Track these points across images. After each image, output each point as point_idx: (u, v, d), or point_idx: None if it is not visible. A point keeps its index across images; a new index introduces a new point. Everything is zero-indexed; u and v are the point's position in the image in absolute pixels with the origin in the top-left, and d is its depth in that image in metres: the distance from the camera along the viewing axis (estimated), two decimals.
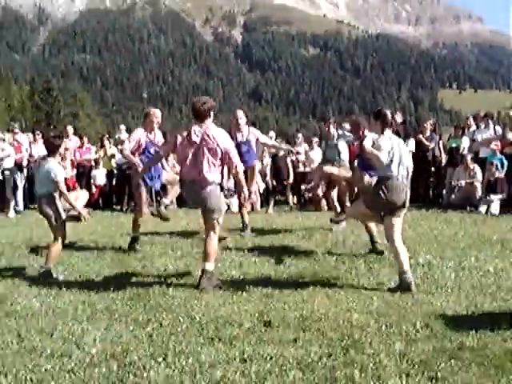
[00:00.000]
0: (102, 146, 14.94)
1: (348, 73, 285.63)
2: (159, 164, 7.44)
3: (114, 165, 14.45)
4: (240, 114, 8.83)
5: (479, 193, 11.65)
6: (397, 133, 7.39)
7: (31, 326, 4.43)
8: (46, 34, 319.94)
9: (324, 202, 11.10)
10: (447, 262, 6.46)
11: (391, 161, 5.40)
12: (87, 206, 13.53)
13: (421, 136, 12.85)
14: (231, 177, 9.40)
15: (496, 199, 11.23)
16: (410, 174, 6.49)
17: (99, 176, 14.51)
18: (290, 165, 13.43)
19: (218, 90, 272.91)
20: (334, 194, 8.71)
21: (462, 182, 11.90)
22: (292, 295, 5.14)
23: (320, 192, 9.71)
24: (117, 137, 15.72)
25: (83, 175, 14.46)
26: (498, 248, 7.26)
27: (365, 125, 6.96)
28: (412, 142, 12.48)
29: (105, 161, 14.62)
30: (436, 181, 13.38)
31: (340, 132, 8.81)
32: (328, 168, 8.16)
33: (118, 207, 13.98)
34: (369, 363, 3.54)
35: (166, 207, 7.64)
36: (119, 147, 13.79)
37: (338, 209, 8.81)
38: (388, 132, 5.57)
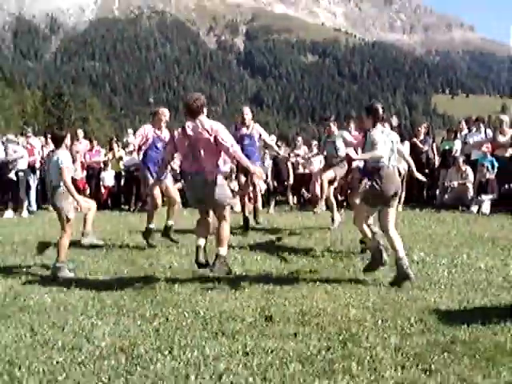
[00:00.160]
0: (111, 148, 14.97)
1: (345, 79, 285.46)
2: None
3: (122, 167, 14.50)
4: (246, 110, 9.07)
5: (471, 193, 11.65)
6: None
7: (43, 321, 4.45)
8: (57, 43, 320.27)
9: (322, 202, 11.08)
10: (440, 259, 6.45)
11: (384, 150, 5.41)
12: (96, 205, 13.63)
13: (415, 139, 12.85)
14: (232, 178, 9.48)
15: (487, 199, 11.22)
16: (415, 174, 6.52)
17: (108, 177, 14.53)
18: (290, 167, 13.44)
19: (222, 96, 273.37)
20: (331, 191, 8.75)
21: (455, 183, 11.91)
22: (292, 291, 5.14)
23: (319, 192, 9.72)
24: (125, 140, 15.70)
25: (93, 177, 14.49)
26: (489, 246, 7.26)
27: (386, 120, 6.94)
28: (407, 144, 12.46)
29: (113, 163, 14.64)
30: (430, 182, 13.31)
31: (340, 132, 8.85)
32: (326, 176, 8.28)
33: (126, 207, 14.00)
34: (366, 356, 3.54)
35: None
36: (127, 151, 13.88)
37: (335, 205, 8.83)
38: (379, 126, 5.57)
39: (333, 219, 8.86)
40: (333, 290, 5.18)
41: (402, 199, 11.40)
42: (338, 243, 7.62)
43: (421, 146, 12.66)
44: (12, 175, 12.77)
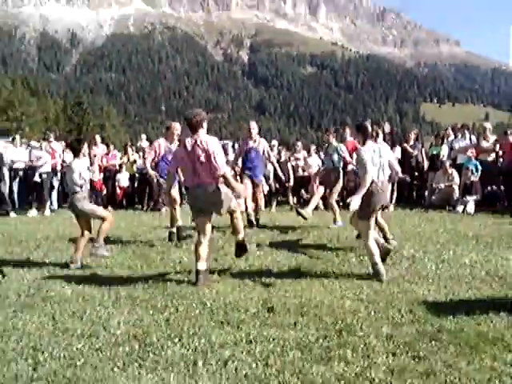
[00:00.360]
0: (126, 152, 15.00)
1: (342, 89, 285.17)
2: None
3: (136, 169, 14.53)
4: (253, 124, 9.10)
5: (456, 194, 11.63)
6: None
7: (64, 310, 4.45)
8: (77, 56, 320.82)
9: (321, 201, 11.08)
10: (429, 255, 6.44)
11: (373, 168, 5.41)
12: (112, 205, 13.67)
13: (405, 144, 12.82)
14: (237, 179, 9.47)
15: (471, 200, 11.19)
16: (399, 176, 6.50)
17: (123, 179, 14.55)
18: (290, 169, 13.44)
19: (227, 104, 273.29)
20: (333, 198, 8.79)
21: (442, 185, 11.88)
22: (292, 284, 5.14)
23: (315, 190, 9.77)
24: (138, 145, 15.78)
25: (109, 178, 14.50)
26: (473, 243, 7.24)
27: (378, 133, 6.93)
28: (398, 149, 12.46)
29: (128, 166, 14.67)
30: (419, 184, 13.35)
31: (337, 145, 8.90)
32: (319, 193, 8.68)
33: (139, 206, 14.01)
34: (360, 344, 3.54)
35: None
36: (141, 155, 13.92)
37: (337, 209, 8.84)
38: (369, 142, 5.56)
39: (335, 220, 8.87)
40: (329, 283, 5.18)
41: (394, 200, 11.40)
42: (334, 240, 7.61)
43: (411, 150, 12.65)
44: (36, 177, 12.86)
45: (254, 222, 8.96)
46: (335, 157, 8.65)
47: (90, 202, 6.73)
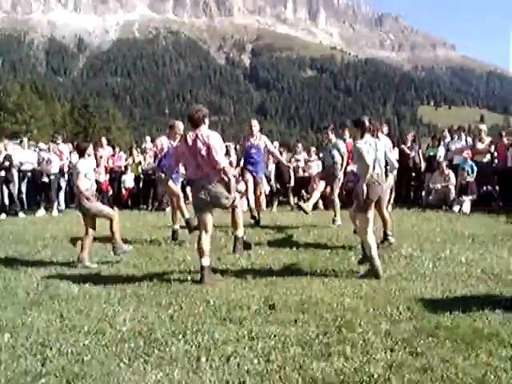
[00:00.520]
0: (131, 154, 15.02)
1: (341, 92, 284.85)
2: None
3: (141, 170, 14.54)
4: (254, 122, 9.20)
5: (453, 194, 11.63)
6: None
7: (71, 308, 4.46)
8: (84, 60, 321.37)
9: (320, 201, 11.08)
10: (426, 253, 6.44)
11: (369, 160, 5.41)
12: (118, 205, 13.69)
13: (403, 146, 12.83)
14: (240, 180, 9.49)
15: (467, 200, 11.19)
16: (395, 173, 6.52)
17: (128, 180, 14.57)
18: (291, 170, 13.44)
19: (230, 107, 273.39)
20: (335, 194, 8.81)
21: (438, 185, 11.88)
22: (293, 282, 5.14)
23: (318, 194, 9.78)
24: (143, 146, 15.78)
25: (115, 179, 14.53)
26: (469, 242, 7.24)
27: (379, 128, 6.92)
28: (396, 151, 12.46)
29: (133, 167, 14.69)
30: (416, 184, 13.35)
31: (336, 140, 8.90)
32: (320, 188, 8.66)
33: (144, 206, 14.02)
34: (359, 340, 3.54)
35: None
36: (146, 156, 13.93)
37: (338, 206, 8.86)
38: (367, 136, 5.58)
39: (334, 220, 8.88)
40: (329, 281, 5.18)
41: (392, 200, 11.39)
42: (333, 239, 7.61)
43: (408, 151, 12.65)
44: (45, 178, 12.88)
45: (257, 217, 9.02)
46: (335, 152, 8.64)
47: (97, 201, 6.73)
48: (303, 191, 13.45)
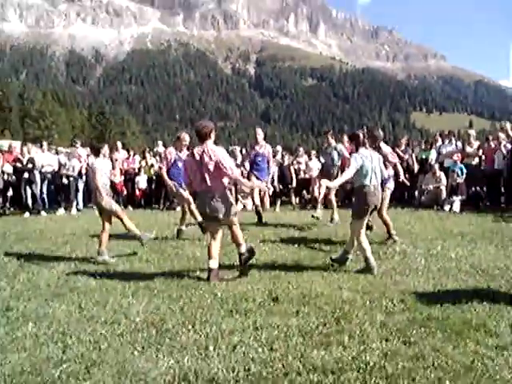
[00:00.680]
0: (144, 157, 15.03)
1: (339, 99, 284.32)
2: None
3: (153, 172, 14.55)
4: (259, 131, 9.23)
5: (444, 195, 11.60)
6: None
7: (89, 300, 4.47)
8: (101, 70, 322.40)
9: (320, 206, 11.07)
10: (418, 250, 6.43)
11: (365, 173, 5.39)
12: (131, 204, 13.71)
13: (397, 149, 12.79)
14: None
15: (457, 200, 11.17)
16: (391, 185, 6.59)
17: (141, 181, 14.59)
18: (293, 172, 13.45)
19: (236, 113, 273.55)
20: (332, 194, 8.81)
21: (431, 186, 11.86)
22: (295, 277, 5.13)
23: (317, 193, 9.78)
24: (155, 150, 15.80)
25: (129, 181, 14.56)
26: (459, 239, 7.22)
27: (381, 138, 6.87)
28: (395, 155, 12.44)
29: (146, 169, 14.70)
30: (409, 185, 13.29)
31: (335, 145, 8.89)
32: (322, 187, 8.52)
33: (156, 206, 14.04)
34: (356, 331, 3.54)
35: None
36: (157, 159, 13.95)
37: (335, 206, 8.85)
38: (361, 149, 5.54)
39: (332, 219, 8.86)
40: (328, 275, 5.17)
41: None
42: (332, 236, 7.60)
43: (402, 155, 12.60)
44: (64, 180, 12.95)
45: (262, 213, 9.13)
46: (334, 155, 8.63)
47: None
48: (304, 192, 13.49)
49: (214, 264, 5.15)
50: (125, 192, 14.32)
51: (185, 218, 7.93)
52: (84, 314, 4.08)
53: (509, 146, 11.40)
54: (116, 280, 5.17)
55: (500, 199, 11.77)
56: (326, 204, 9.12)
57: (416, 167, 12.85)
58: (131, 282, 5.06)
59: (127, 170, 14.68)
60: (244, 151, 13.84)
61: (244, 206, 11.72)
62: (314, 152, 14.79)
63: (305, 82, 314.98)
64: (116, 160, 14.10)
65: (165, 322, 3.84)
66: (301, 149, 15.04)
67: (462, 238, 7.32)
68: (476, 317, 3.75)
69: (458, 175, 11.52)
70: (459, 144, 12.85)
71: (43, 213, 12.23)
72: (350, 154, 9.07)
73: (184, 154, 7.73)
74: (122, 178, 14.37)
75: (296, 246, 6.93)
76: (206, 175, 5.10)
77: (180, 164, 7.56)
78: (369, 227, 7.12)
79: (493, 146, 11.79)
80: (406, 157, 12.68)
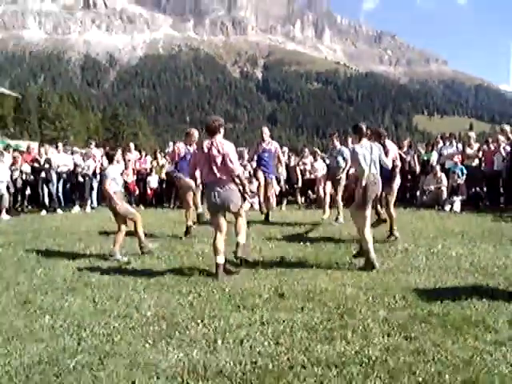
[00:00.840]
0: (155, 158, 15.06)
1: (344, 102, 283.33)
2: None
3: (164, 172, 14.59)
4: (265, 129, 9.26)
5: (445, 195, 11.53)
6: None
7: (103, 294, 4.50)
8: (114, 74, 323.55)
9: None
10: (420, 248, 6.40)
11: (364, 163, 5.40)
12: (143, 203, 13.75)
13: (400, 151, 12.74)
14: (252, 181, 9.52)
15: (458, 200, 11.10)
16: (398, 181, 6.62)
17: (153, 181, 14.61)
18: (298, 173, 13.43)
19: (244, 115, 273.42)
20: (339, 195, 8.83)
21: (432, 187, 11.80)
22: (300, 273, 5.13)
23: (322, 193, 9.79)
24: (166, 151, 15.82)
25: (141, 180, 14.59)
26: (459, 238, 7.18)
27: (385, 134, 6.88)
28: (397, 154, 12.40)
29: (157, 169, 14.71)
30: (411, 185, 13.26)
31: (340, 148, 8.88)
32: (328, 188, 8.80)
33: (167, 205, 14.05)
34: (359, 326, 3.54)
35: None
36: (168, 160, 13.96)
37: (341, 206, 8.85)
38: (363, 141, 5.57)
39: (337, 218, 8.86)
40: (333, 272, 5.17)
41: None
42: (337, 235, 7.58)
43: (404, 156, 12.55)
44: (80, 179, 13.03)
45: (268, 213, 9.20)
46: (339, 158, 8.62)
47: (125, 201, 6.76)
48: (309, 192, 13.46)
49: (220, 259, 5.14)
50: (137, 191, 14.35)
51: (190, 213, 7.90)
52: (98, 308, 4.10)
53: (508, 148, 11.34)
54: (128, 275, 5.19)
55: (499, 199, 11.70)
56: (331, 204, 9.11)
57: (418, 168, 12.80)
58: (143, 277, 5.09)
59: (139, 170, 14.71)
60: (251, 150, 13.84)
61: (251, 204, 11.72)
62: (318, 151, 14.70)
63: (310, 86, 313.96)
64: (129, 160, 14.14)
65: (175, 316, 3.86)
66: (306, 150, 14.98)
67: (462, 237, 7.28)
68: (475, 313, 3.74)
69: (458, 176, 11.46)
70: (460, 146, 12.78)
71: (59, 211, 12.30)
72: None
73: (193, 148, 7.77)
74: (135, 177, 14.40)
75: (301, 243, 6.92)
76: (214, 167, 5.10)
77: (189, 157, 7.57)
78: (383, 220, 7.12)
79: (492, 148, 11.72)
80: (408, 158, 12.62)
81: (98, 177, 13.79)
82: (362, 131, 5.60)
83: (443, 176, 11.74)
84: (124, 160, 13.59)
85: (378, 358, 3.01)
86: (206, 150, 5.15)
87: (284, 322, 3.65)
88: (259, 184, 9.06)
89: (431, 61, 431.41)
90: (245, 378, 2.83)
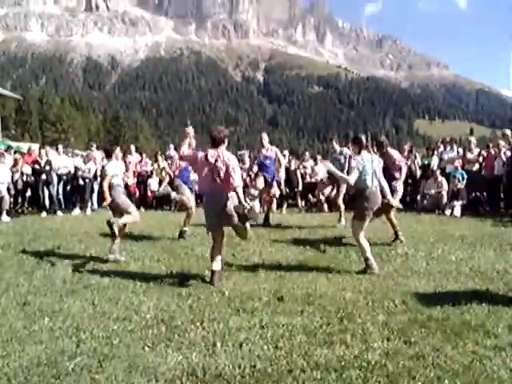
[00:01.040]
0: (156, 160, 15.06)
1: (345, 106, 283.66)
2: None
3: (164, 175, 14.58)
4: (264, 136, 9.27)
5: (445, 199, 11.53)
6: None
7: (102, 296, 4.49)
8: (116, 77, 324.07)
9: (325, 205, 11.04)
10: (420, 252, 6.40)
11: (366, 175, 5.39)
12: (144, 206, 13.75)
13: (403, 157, 12.77)
14: (254, 184, 9.52)
15: (458, 204, 11.10)
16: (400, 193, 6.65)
17: (153, 183, 14.61)
18: (299, 176, 13.43)
19: (245, 118, 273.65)
20: (340, 198, 8.84)
21: (432, 191, 11.79)
22: (300, 277, 5.13)
23: (322, 198, 9.79)
24: (167, 153, 15.82)
25: (142, 183, 14.60)
26: (459, 242, 7.17)
27: (387, 143, 6.97)
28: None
29: (157, 172, 14.72)
30: (412, 190, 13.26)
31: (341, 149, 8.92)
32: (327, 191, 8.84)
33: (167, 207, 14.06)
34: (358, 330, 3.53)
35: None
36: (169, 163, 13.97)
37: (343, 208, 8.87)
38: (363, 153, 5.56)
39: (339, 220, 8.89)
40: (332, 276, 5.16)
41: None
42: (337, 239, 7.57)
43: (405, 160, 12.58)
44: (80, 181, 13.04)
45: (268, 215, 9.24)
46: (341, 159, 8.68)
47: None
48: (310, 195, 13.45)
49: (216, 266, 5.09)
50: (137, 194, 14.36)
51: (188, 219, 7.92)
52: (97, 310, 4.10)
53: (508, 153, 11.34)
54: (128, 278, 5.18)
55: (499, 204, 11.69)
56: (332, 207, 9.13)
57: (418, 173, 12.81)
58: (142, 280, 5.08)
59: (140, 172, 14.73)
60: (252, 156, 13.85)
61: (251, 208, 11.73)
62: (319, 157, 14.73)
63: (311, 90, 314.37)
64: (129, 163, 14.12)
65: (174, 319, 3.85)
66: (307, 153, 14.98)
67: (462, 241, 7.27)
68: (475, 318, 3.73)
69: (458, 181, 11.46)
70: (460, 150, 12.79)
71: (59, 213, 12.30)
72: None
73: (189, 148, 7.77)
74: (135, 180, 14.41)
75: (301, 247, 6.92)
76: (217, 177, 5.09)
77: (189, 166, 7.59)
78: (396, 236, 7.13)
79: (493, 152, 11.72)
80: (409, 162, 12.64)
81: (99, 179, 13.84)
82: (361, 143, 5.60)
83: (444, 180, 11.74)
84: (125, 162, 13.60)
85: (378, 362, 3.01)
86: (212, 161, 5.12)
87: (283, 325, 3.65)
88: (260, 191, 9.16)
89: (432, 65, 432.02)
90: (244, 382, 2.83)
